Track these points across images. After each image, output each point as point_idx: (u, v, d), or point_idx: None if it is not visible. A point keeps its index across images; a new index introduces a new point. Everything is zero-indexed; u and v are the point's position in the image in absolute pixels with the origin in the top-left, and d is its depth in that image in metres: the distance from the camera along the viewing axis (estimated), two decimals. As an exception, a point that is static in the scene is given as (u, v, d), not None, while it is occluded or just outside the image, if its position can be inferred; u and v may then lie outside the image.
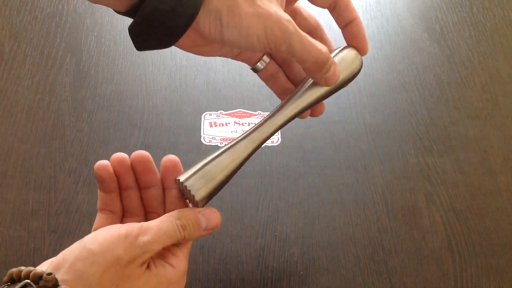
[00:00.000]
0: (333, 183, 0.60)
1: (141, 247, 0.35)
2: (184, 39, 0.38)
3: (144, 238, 0.35)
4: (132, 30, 0.36)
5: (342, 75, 0.43)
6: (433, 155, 0.62)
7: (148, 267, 0.36)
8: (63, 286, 0.32)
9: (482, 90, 0.69)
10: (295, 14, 0.45)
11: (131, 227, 0.36)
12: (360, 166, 0.61)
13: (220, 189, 0.40)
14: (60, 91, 0.67)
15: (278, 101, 0.47)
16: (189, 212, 0.39)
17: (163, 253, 0.38)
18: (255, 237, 0.55)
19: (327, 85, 0.42)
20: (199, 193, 0.39)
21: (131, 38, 0.37)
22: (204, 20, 0.36)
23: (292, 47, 0.38)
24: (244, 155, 0.41)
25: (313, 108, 0.45)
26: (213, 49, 0.42)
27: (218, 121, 0.64)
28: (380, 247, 0.55)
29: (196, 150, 0.62)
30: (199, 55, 0.42)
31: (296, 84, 0.47)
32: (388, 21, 0.77)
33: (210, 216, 0.40)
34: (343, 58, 0.44)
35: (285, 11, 0.40)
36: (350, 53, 0.45)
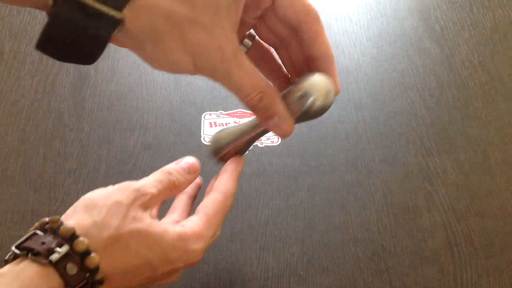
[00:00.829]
0: (333, 183, 0.60)
1: (136, 190, 0.37)
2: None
3: (137, 184, 0.38)
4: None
5: (313, 107, 0.36)
6: (433, 155, 0.62)
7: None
8: (68, 223, 0.33)
9: (482, 90, 0.69)
10: (274, 7, 0.37)
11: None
12: (360, 166, 0.61)
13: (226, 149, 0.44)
14: (60, 91, 0.67)
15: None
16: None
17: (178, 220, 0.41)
18: (255, 237, 0.55)
19: (276, 134, 0.38)
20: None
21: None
22: (128, 44, 0.33)
23: (226, 82, 0.34)
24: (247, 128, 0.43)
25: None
26: None
27: (218, 121, 0.64)
28: (380, 247, 0.55)
29: (196, 150, 0.62)
30: None
31: (288, 66, 0.41)
32: (388, 21, 0.77)
33: (187, 164, 0.42)
34: (313, 86, 0.37)
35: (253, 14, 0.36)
36: (323, 82, 0.37)
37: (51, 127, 0.64)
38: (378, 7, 0.78)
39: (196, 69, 0.33)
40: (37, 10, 0.76)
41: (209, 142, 0.44)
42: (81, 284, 0.32)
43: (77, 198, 0.55)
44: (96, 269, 0.32)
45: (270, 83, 0.36)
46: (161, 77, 0.69)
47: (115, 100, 0.67)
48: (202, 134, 0.63)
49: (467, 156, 0.62)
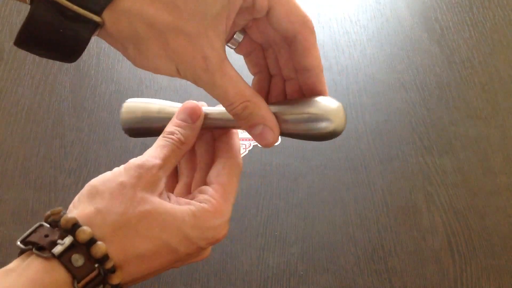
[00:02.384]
0: (333, 183, 0.60)
1: (139, 167, 0.34)
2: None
3: (140, 159, 0.34)
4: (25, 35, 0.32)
5: (307, 130, 0.36)
6: (433, 155, 0.62)
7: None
8: (69, 213, 0.32)
9: (482, 90, 0.69)
10: (268, 17, 0.35)
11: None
12: (360, 166, 0.61)
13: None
14: (60, 91, 0.67)
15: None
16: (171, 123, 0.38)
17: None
18: (255, 237, 0.55)
19: (258, 142, 0.36)
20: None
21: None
22: (112, 43, 0.32)
23: (211, 90, 0.34)
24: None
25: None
26: None
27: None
28: (380, 247, 0.55)
29: (196, 150, 0.62)
30: None
31: (273, 68, 0.40)
32: (388, 21, 0.77)
33: (186, 110, 0.38)
34: (330, 111, 0.37)
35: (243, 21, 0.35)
36: (340, 108, 0.37)
37: (51, 127, 0.64)
38: (378, 7, 0.78)
39: (179, 75, 0.33)
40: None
41: (125, 109, 0.38)
42: (92, 275, 0.30)
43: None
44: (105, 258, 0.31)
45: (256, 93, 0.35)
46: (161, 77, 0.69)
47: (115, 100, 0.67)
48: (202, 134, 0.63)
49: (467, 156, 0.62)
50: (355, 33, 0.75)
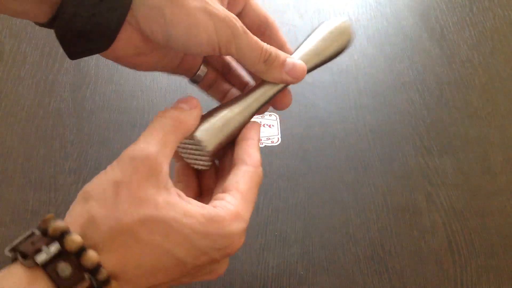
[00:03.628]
0: (333, 183, 0.60)
1: (133, 159, 0.30)
2: (125, 43, 0.34)
3: (133, 150, 0.31)
4: (60, 39, 0.33)
5: (329, 50, 0.40)
6: (433, 155, 0.62)
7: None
8: (60, 222, 0.29)
9: (482, 90, 0.69)
10: (243, 11, 0.40)
11: None
12: (360, 166, 0.61)
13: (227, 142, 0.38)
14: (60, 91, 0.67)
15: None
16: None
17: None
18: (255, 237, 0.55)
19: (292, 81, 0.38)
20: (209, 144, 0.36)
21: (63, 49, 0.33)
22: (144, 17, 0.33)
23: (241, 48, 0.35)
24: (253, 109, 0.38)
25: (278, 99, 0.40)
26: (155, 59, 0.37)
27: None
28: (380, 247, 0.55)
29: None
30: (136, 68, 0.38)
31: (237, 86, 0.43)
32: (388, 21, 0.77)
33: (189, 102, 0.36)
34: (330, 31, 0.41)
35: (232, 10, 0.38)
36: (339, 24, 0.41)
37: (51, 127, 0.64)
38: (378, 7, 0.78)
39: (216, 34, 0.34)
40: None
41: (200, 140, 0.35)
42: (81, 287, 0.27)
43: (77, 198, 0.55)
44: (97, 268, 0.27)
45: None
46: (161, 77, 0.69)
47: (115, 100, 0.67)
48: (202, 134, 0.63)
49: (467, 156, 0.62)
50: (355, 33, 0.75)
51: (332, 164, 0.61)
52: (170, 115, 0.33)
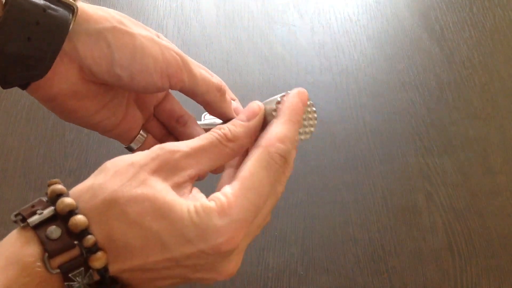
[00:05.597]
0: (333, 183, 0.60)
1: (160, 148, 0.29)
2: (62, 78, 0.32)
3: (167, 144, 0.30)
4: None
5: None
6: (433, 155, 0.62)
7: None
8: (60, 186, 0.29)
9: (482, 90, 0.69)
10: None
11: None
12: (360, 166, 0.61)
13: None
14: (60, 91, 0.67)
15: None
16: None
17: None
18: (255, 237, 0.55)
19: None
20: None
21: None
22: (84, 44, 0.31)
23: (194, 75, 0.34)
24: None
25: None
26: (94, 106, 0.35)
27: (218, 121, 0.64)
28: (380, 247, 0.55)
29: (196, 150, 0.62)
30: (71, 116, 0.35)
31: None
32: (388, 21, 0.77)
33: (245, 109, 0.34)
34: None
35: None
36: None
37: (51, 127, 0.64)
38: (378, 7, 0.78)
39: (163, 58, 0.33)
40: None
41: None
42: (71, 254, 0.27)
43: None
44: (84, 233, 0.27)
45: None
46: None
47: (115, 100, 0.67)
48: (202, 134, 0.63)
49: (467, 156, 0.62)
50: (355, 33, 0.75)
51: (332, 164, 0.61)
52: (219, 131, 0.31)
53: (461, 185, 0.60)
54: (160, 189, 0.28)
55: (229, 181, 0.30)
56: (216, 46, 0.71)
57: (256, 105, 0.33)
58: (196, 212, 0.28)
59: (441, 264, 0.54)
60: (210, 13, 0.75)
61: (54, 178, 0.30)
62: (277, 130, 0.31)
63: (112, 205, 0.27)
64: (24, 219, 0.28)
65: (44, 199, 0.29)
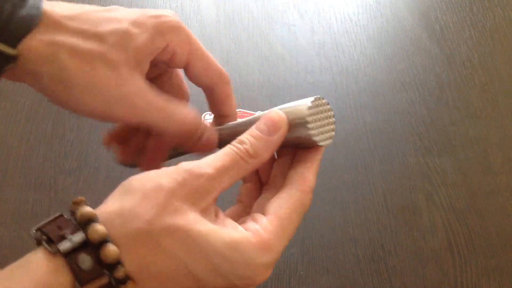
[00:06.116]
0: (333, 183, 0.60)
1: (186, 171, 0.29)
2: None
3: (191, 163, 0.29)
4: None
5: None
6: (433, 155, 0.62)
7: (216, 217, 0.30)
8: (89, 208, 0.28)
9: (482, 90, 0.69)
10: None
11: None
12: (360, 166, 0.61)
13: None
14: (60, 91, 0.67)
15: (280, 102, 0.47)
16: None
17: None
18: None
19: (204, 151, 0.36)
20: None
21: None
22: (27, 79, 0.31)
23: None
24: None
25: None
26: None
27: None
28: (380, 247, 0.55)
29: (196, 150, 0.62)
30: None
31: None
32: (388, 21, 0.77)
33: (266, 120, 0.32)
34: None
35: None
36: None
37: (51, 127, 0.64)
38: (378, 7, 0.78)
39: (102, 107, 0.32)
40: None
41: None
42: (100, 283, 0.26)
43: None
44: (115, 264, 0.26)
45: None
46: (161, 77, 0.69)
47: (115, 100, 0.67)
48: (202, 134, 0.63)
49: (467, 156, 0.62)
50: (355, 33, 0.75)
51: (332, 164, 0.61)
52: (241, 147, 0.31)
53: (461, 185, 0.60)
54: (193, 220, 0.28)
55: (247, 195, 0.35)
56: (216, 46, 0.71)
57: (277, 116, 0.32)
58: (233, 246, 0.28)
59: (441, 264, 0.54)
60: (210, 13, 0.75)
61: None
62: (310, 177, 0.34)
63: (145, 236, 0.27)
64: (50, 240, 0.27)
65: (69, 218, 0.28)
